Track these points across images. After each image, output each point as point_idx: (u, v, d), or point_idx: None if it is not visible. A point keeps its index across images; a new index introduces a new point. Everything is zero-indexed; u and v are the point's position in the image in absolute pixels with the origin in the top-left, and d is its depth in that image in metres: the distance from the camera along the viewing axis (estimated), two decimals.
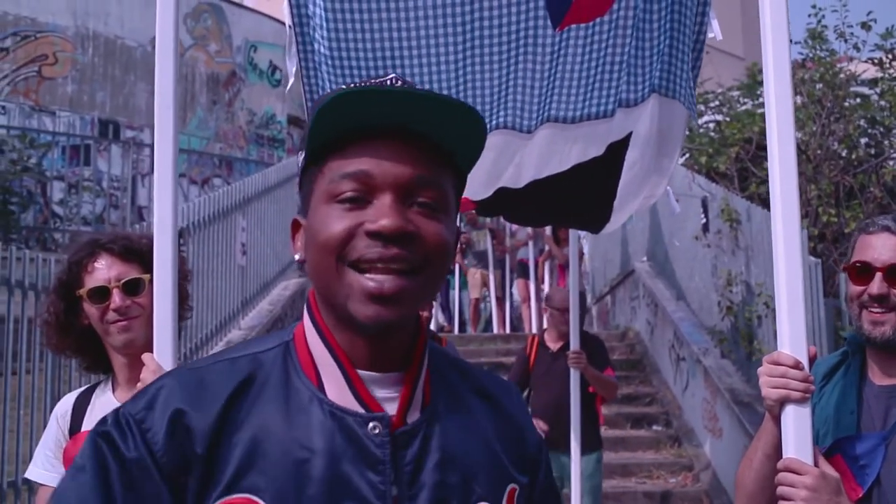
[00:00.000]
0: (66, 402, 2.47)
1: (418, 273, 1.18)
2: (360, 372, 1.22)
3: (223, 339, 8.09)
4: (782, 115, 2.17)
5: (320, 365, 1.22)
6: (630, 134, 3.28)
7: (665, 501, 7.58)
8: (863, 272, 2.27)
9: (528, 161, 3.36)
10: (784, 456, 2.04)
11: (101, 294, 2.35)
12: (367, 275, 1.16)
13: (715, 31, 3.17)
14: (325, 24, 2.91)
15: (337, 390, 1.21)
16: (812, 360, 2.11)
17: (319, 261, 1.20)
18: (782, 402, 2.05)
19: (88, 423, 2.38)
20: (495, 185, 3.49)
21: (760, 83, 10.39)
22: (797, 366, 2.05)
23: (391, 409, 1.22)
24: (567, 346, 5.97)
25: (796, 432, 2.03)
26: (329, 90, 3.02)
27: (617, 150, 3.33)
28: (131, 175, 12.67)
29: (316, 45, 2.99)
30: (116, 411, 1.20)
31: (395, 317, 1.18)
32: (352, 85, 1.24)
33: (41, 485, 2.42)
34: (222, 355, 1.27)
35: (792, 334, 2.08)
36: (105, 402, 2.41)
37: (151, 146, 12.98)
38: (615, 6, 3.04)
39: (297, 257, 1.27)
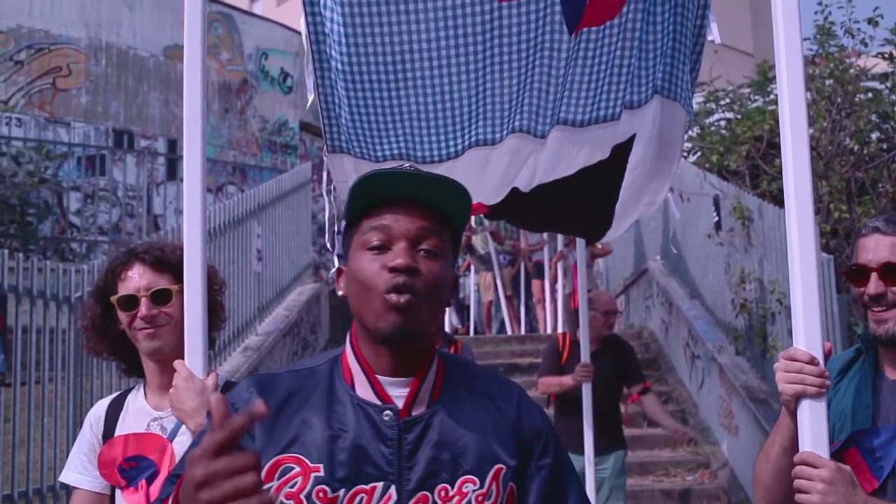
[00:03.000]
0: (100, 408, 2.53)
1: (420, 296, 1.63)
2: (381, 377, 1.68)
3: (241, 345, 8.18)
4: (795, 111, 2.22)
5: (354, 372, 1.70)
6: (634, 136, 3.31)
7: (683, 499, 7.60)
8: (860, 274, 2.32)
9: (539, 165, 3.40)
10: (800, 450, 2.08)
11: (131, 302, 2.42)
12: (389, 294, 1.61)
13: (714, 34, 3.20)
14: (342, 41, 2.95)
15: (363, 389, 1.67)
16: (827, 355, 2.15)
17: (358, 292, 1.67)
18: (798, 398, 2.10)
19: (121, 428, 2.44)
20: (508, 188, 3.53)
21: (771, 80, 10.40)
22: (812, 361, 2.09)
23: (402, 403, 1.67)
24: (603, 350, 6.00)
25: (812, 427, 2.08)
26: (346, 108, 3.07)
27: (620, 153, 3.36)
28: (146, 184, 12.77)
29: (332, 63, 3.03)
30: None
31: (408, 326, 1.62)
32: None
33: (74, 488, 2.48)
34: (292, 367, 1.78)
35: (807, 330, 2.12)
36: (138, 408, 2.48)
37: (165, 155, 13.14)
38: (625, 9, 3.06)
39: (339, 293, 1.76)
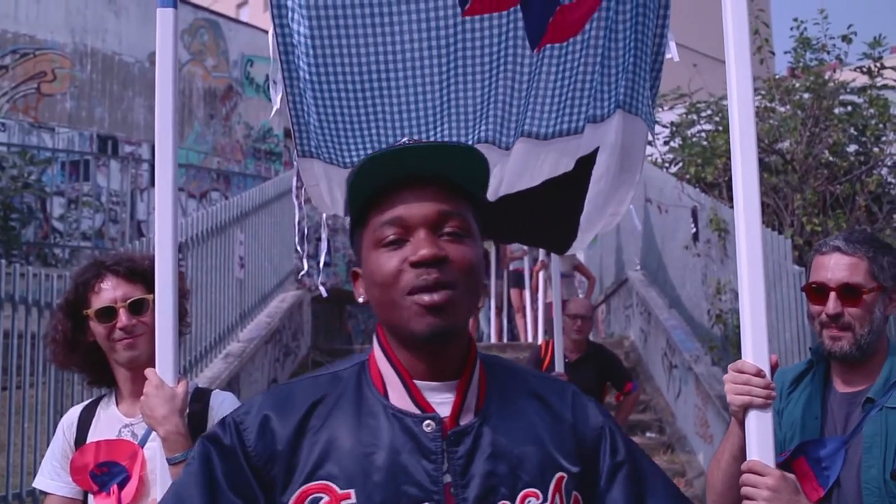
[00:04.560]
0: (72, 415, 2.59)
1: (456, 287, 1.44)
2: (418, 382, 1.48)
3: (222, 352, 8.21)
4: (745, 128, 2.29)
5: (386, 378, 1.50)
6: (597, 148, 3.40)
7: None
8: (818, 292, 2.41)
9: (504, 175, 3.48)
10: (748, 458, 2.17)
11: (109, 314, 2.47)
12: (420, 294, 1.42)
13: (672, 52, 3.29)
14: (309, 52, 3.03)
15: (398, 397, 1.48)
16: (774, 368, 2.24)
17: (380, 296, 1.47)
18: (746, 408, 2.18)
19: (93, 435, 2.50)
20: None
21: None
22: (759, 374, 2.18)
23: (445, 411, 1.47)
24: (585, 359, 6.15)
25: (759, 436, 2.16)
26: (314, 116, 3.15)
27: (584, 165, 3.44)
28: (130, 190, 12.79)
29: (300, 73, 3.12)
30: (223, 419, 1.52)
31: (447, 324, 1.43)
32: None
33: (47, 494, 2.55)
34: (310, 374, 1.57)
35: (754, 343, 2.20)
36: (109, 415, 2.54)
37: (149, 161, 13.15)
38: (587, 26, 3.16)
39: (360, 300, 1.54)
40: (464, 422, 1.48)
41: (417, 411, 1.46)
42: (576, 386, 1.68)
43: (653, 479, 1.60)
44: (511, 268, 12.61)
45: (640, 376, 10.40)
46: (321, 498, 1.40)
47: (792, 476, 2.15)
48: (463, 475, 1.43)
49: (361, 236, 1.52)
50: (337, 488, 1.40)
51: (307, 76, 3.09)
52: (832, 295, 2.37)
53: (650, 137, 3.48)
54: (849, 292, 2.37)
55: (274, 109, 3.20)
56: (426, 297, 1.41)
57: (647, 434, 9.23)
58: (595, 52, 3.17)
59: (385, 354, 1.51)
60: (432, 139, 3.30)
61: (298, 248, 3.47)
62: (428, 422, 1.45)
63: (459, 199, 1.51)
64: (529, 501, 1.45)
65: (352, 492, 1.40)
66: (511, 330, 13.17)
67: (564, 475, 1.50)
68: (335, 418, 1.46)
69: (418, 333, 1.43)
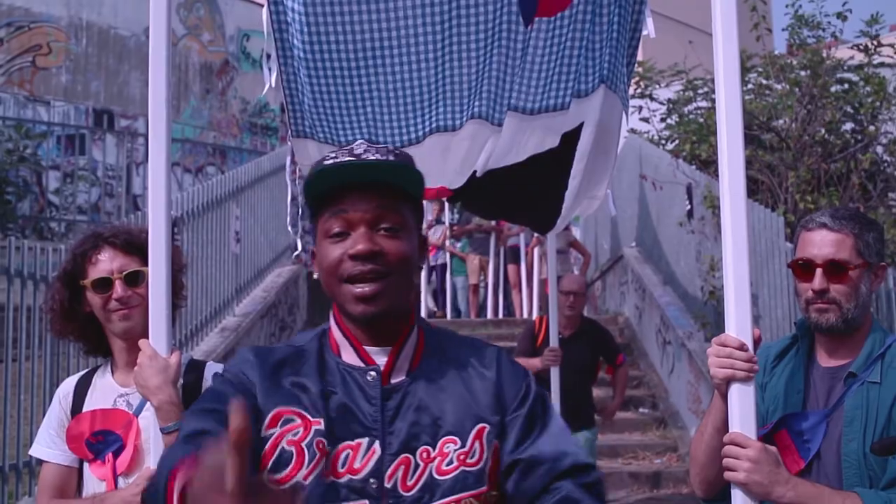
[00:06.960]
0: (68, 385, 2.63)
1: (388, 277, 1.73)
2: (365, 346, 1.78)
3: (218, 326, 8.25)
4: (731, 105, 2.32)
5: (339, 343, 1.81)
6: (582, 124, 3.42)
7: (651, 482, 7.76)
8: (805, 268, 2.43)
9: (493, 150, 3.51)
10: (730, 431, 2.21)
11: (105, 284, 2.51)
12: (355, 285, 1.72)
13: (649, 29, 3.30)
14: (303, 29, 3.04)
15: (349, 356, 1.79)
16: (757, 342, 2.27)
17: (326, 279, 1.77)
18: (728, 381, 2.22)
19: (89, 404, 2.54)
20: (469, 172, 3.63)
21: (748, 69, 10.49)
22: (742, 347, 2.21)
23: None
24: (579, 334, 6.21)
25: (741, 409, 2.20)
26: (308, 95, 3.17)
27: (569, 142, 3.46)
28: (126, 164, 12.79)
29: (295, 51, 3.13)
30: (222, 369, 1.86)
31: (377, 310, 1.72)
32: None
33: (44, 462, 2.59)
34: (285, 342, 1.90)
35: (738, 318, 2.25)
36: (105, 385, 2.58)
37: (145, 135, 13.10)
38: (575, 0, 3.17)
39: (315, 276, 1.86)
40: (395, 380, 1.76)
41: (363, 364, 1.77)
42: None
43: (539, 433, 1.77)
44: (508, 244, 12.66)
45: (635, 353, 10.47)
46: (293, 419, 1.71)
47: (773, 448, 2.19)
48: (391, 424, 1.72)
49: (317, 226, 1.79)
50: (309, 416, 1.70)
51: (301, 54, 3.11)
52: (819, 271, 2.39)
53: (624, 117, 3.50)
54: (835, 269, 2.39)
55: (267, 86, 3.21)
56: (356, 290, 1.71)
57: (641, 409, 9.31)
58: (582, 27, 3.19)
59: (337, 325, 1.82)
60: (427, 118, 3.32)
61: (291, 229, 3.53)
62: (371, 372, 1.75)
63: (398, 199, 1.76)
64: (448, 447, 1.71)
65: (321, 420, 1.70)
66: (507, 306, 13.21)
67: (486, 426, 1.74)
68: (301, 370, 1.78)
69: (354, 315, 1.73)
